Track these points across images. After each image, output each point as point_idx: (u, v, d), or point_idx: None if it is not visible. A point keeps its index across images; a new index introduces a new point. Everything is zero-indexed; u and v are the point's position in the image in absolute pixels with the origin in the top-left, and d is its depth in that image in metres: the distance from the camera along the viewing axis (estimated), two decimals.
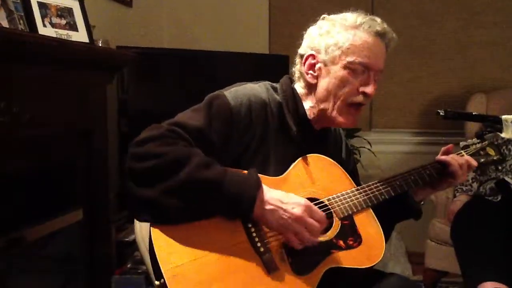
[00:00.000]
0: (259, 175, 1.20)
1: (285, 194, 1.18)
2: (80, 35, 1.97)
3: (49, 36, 1.78)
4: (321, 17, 1.38)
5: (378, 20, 1.32)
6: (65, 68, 1.83)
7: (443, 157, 1.42)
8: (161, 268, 1.06)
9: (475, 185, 2.43)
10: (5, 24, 1.64)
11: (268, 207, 1.14)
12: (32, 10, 1.77)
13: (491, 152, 1.45)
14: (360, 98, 1.31)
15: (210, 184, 1.11)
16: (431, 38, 3.35)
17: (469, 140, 1.49)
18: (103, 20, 2.59)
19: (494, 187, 2.28)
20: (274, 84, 1.39)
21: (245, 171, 1.18)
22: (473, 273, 1.92)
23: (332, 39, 1.30)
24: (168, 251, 1.09)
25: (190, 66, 2.88)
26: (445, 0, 3.31)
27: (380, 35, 1.30)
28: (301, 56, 1.37)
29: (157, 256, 1.08)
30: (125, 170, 1.15)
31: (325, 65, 1.31)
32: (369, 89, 1.30)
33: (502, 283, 1.80)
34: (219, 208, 1.13)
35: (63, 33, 1.90)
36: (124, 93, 2.67)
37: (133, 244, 2.52)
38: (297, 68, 1.39)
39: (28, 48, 1.59)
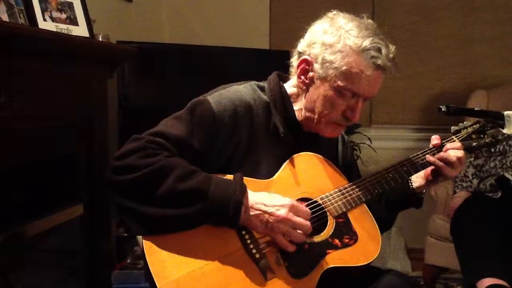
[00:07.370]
0: (249, 179, 1.19)
1: (269, 196, 1.16)
2: (81, 30, 1.96)
3: (49, 30, 1.77)
4: (331, 15, 1.29)
5: (384, 50, 1.21)
6: (66, 63, 1.82)
7: (433, 161, 1.34)
8: (156, 283, 1.04)
9: (475, 181, 2.43)
10: (5, 18, 1.63)
11: (253, 212, 1.13)
12: (32, 4, 1.76)
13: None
14: (342, 121, 1.29)
15: (195, 193, 1.09)
16: (431, 34, 3.34)
17: (460, 124, 1.45)
18: (103, 15, 2.58)
19: (494, 183, 2.29)
20: (261, 83, 1.35)
21: (231, 176, 1.16)
22: (472, 269, 1.93)
23: (332, 56, 1.23)
24: (162, 265, 1.07)
25: (190, 61, 2.87)
26: None
27: (381, 68, 1.23)
28: (299, 54, 1.32)
29: (151, 271, 1.06)
30: (107, 184, 1.13)
31: (317, 78, 1.26)
32: (353, 117, 1.27)
33: (501, 279, 1.80)
34: (206, 216, 1.11)
35: (64, 28, 1.89)
36: (124, 87, 2.66)
37: (133, 239, 2.53)
38: (293, 64, 1.34)
39: (28, 43, 1.58)
